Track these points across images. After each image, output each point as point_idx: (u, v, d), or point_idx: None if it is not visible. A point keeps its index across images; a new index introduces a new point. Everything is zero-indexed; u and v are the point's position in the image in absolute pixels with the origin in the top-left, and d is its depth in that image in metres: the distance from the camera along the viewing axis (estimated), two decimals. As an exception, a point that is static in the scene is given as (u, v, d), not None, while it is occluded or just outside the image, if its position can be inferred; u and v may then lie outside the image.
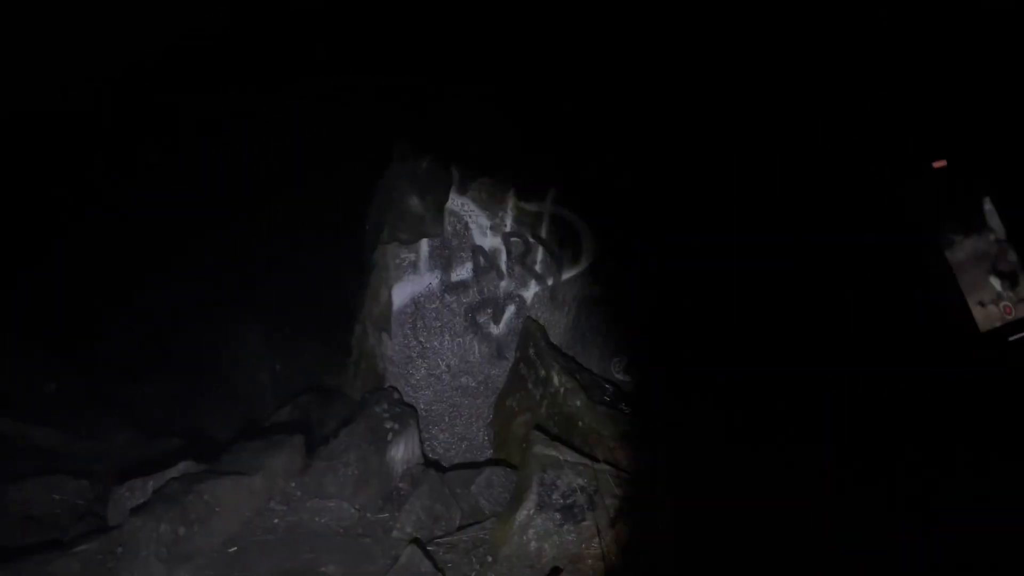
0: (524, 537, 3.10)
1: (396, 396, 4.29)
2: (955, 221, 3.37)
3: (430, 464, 4.15)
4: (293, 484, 3.61)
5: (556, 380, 4.05)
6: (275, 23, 5.25)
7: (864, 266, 3.73)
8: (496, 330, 4.58)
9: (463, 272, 4.53)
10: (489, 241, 4.58)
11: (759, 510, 3.03)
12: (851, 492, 3.20)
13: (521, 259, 4.61)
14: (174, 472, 3.41)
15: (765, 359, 3.91)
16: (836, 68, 4.01)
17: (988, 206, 3.45)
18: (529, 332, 4.48)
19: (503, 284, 4.61)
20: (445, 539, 3.37)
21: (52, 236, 5.63)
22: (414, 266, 4.45)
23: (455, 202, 4.49)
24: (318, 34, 5.44)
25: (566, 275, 4.69)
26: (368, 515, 3.54)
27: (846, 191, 3.75)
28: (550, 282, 4.65)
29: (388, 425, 3.93)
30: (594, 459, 3.43)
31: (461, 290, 4.52)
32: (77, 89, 4.75)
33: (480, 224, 4.56)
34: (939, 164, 3.36)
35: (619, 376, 4.65)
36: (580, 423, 3.75)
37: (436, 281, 4.47)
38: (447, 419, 4.52)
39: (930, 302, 3.33)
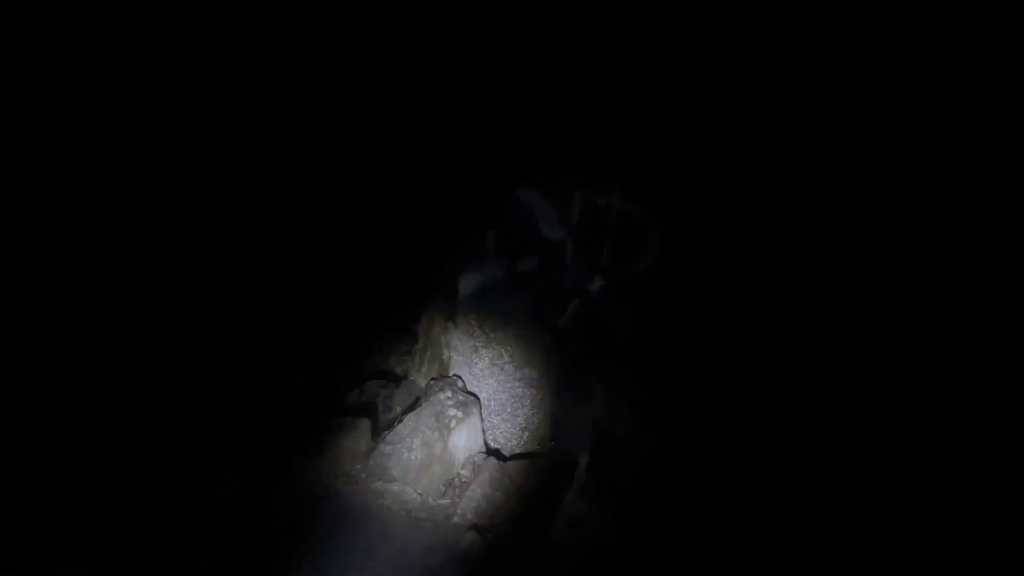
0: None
1: (460, 384, 4.33)
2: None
3: (491, 453, 4.18)
4: (358, 466, 3.71)
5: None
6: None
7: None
8: (560, 321, 4.56)
9: (529, 263, 4.53)
10: (556, 233, 4.56)
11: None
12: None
13: (587, 252, 4.57)
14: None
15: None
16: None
17: None
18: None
19: (568, 276, 4.58)
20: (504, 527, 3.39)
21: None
22: (481, 256, 4.47)
23: (523, 193, 4.49)
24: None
25: (632, 268, 4.62)
26: (429, 500, 3.60)
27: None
28: (615, 276, 4.59)
29: (451, 412, 3.98)
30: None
31: (526, 281, 4.52)
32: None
33: (547, 216, 4.54)
34: None
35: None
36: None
37: (502, 272, 4.49)
38: (509, 409, 4.54)
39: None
